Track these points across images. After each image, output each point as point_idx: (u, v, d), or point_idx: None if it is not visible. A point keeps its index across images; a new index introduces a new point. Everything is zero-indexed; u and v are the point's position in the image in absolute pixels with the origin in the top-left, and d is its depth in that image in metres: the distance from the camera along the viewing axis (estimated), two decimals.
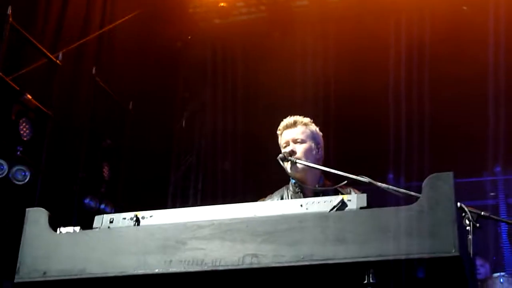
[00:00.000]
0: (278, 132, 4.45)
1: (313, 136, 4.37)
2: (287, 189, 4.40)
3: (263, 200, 4.33)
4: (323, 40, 10.10)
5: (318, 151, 4.37)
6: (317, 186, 4.29)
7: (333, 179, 4.30)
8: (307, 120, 4.44)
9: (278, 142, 4.47)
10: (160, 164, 10.73)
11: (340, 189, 4.09)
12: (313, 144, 4.33)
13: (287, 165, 4.26)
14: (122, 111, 9.54)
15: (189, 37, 11.25)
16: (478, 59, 9.06)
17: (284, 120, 4.45)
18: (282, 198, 4.32)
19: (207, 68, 10.98)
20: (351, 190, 4.14)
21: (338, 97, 9.60)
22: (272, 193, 4.47)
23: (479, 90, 9.29)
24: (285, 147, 4.35)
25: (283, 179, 4.48)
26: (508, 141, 9.02)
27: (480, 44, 9.02)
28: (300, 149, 4.28)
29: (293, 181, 4.35)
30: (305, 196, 4.19)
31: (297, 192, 4.30)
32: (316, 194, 4.19)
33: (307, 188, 4.28)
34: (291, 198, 4.27)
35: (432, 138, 9.00)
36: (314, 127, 4.44)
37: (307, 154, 4.26)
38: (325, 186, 4.32)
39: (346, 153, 8.35)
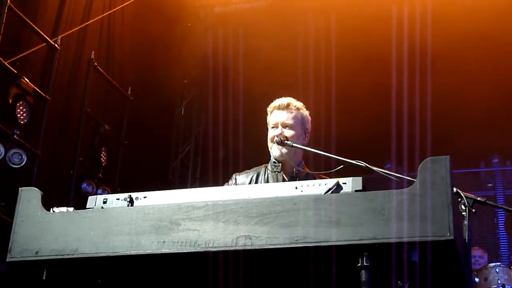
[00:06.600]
0: (269, 109, 4.47)
1: (302, 122, 4.40)
2: (266, 167, 4.44)
3: (238, 175, 4.45)
4: (323, 29, 10.05)
5: (305, 137, 4.41)
6: (295, 169, 4.33)
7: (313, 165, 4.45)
8: (299, 104, 4.46)
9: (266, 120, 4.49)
10: (159, 151, 10.73)
11: (316, 176, 4.17)
12: (300, 130, 4.37)
13: (280, 147, 4.27)
14: (121, 96, 9.52)
15: (189, 24, 11.22)
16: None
17: (277, 100, 4.46)
18: (258, 176, 4.41)
19: (206, 55, 10.95)
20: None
21: (339, 85, 9.56)
22: (249, 169, 4.53)
23: (479, 79, 9.32)
24: (272, 127, 4.38)
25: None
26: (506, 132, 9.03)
27: None
28: (288, 133, 4.31)
29: (273, 160, 4.39)
30: (283, 177, 4.34)
31: (275, 172, 4.36)
32: (293, 176, 4.31)
33: (286, 168, 4.35)
34: (269, 176, 4.37)
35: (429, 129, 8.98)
36: (305, 112, 4.46)
37: (294, 140, 4.29)
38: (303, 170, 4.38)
39: (346, 142, 8.35)
